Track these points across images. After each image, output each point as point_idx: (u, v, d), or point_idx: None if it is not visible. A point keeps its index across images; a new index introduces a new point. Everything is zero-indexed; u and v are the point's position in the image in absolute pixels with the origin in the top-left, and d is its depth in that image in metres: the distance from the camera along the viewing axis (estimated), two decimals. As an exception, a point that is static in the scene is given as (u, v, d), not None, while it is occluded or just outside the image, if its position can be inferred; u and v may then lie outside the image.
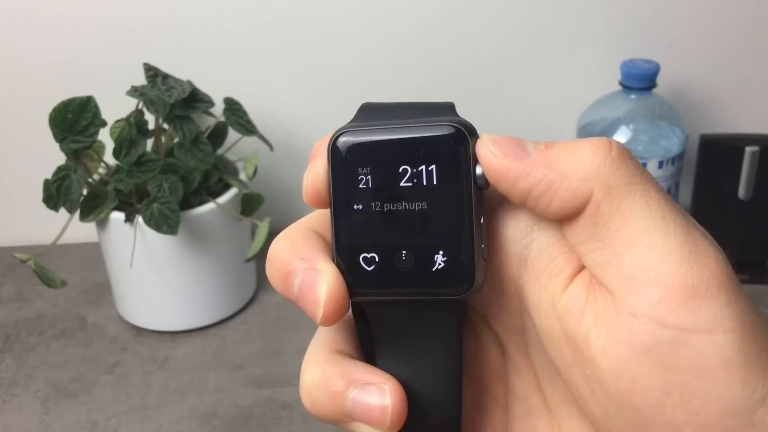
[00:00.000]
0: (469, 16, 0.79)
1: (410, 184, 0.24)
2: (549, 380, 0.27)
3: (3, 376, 0.68)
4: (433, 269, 0.25)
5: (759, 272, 0.75)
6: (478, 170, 0.24)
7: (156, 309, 0.72)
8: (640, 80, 0.74)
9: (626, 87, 0.74)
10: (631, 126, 0.75)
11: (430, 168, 0.24)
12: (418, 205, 0.24)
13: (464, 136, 0.24)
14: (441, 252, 0.24)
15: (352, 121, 0.26)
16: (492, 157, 0.24)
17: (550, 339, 0.25)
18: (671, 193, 0.76)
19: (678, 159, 0.75)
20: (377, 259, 0.25)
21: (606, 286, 0.23)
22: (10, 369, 0.69)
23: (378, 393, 0.25)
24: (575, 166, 0.23)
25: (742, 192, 0.73)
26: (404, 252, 0.25)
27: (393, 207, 0.25)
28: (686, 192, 0.79)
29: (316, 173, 0.26)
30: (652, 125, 0.76)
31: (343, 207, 0.25)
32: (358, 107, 0.27)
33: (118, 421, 0.63)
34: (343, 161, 0.25)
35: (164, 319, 0.72)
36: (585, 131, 0.77)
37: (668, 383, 0.22)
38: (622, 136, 0.75)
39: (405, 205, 0.25)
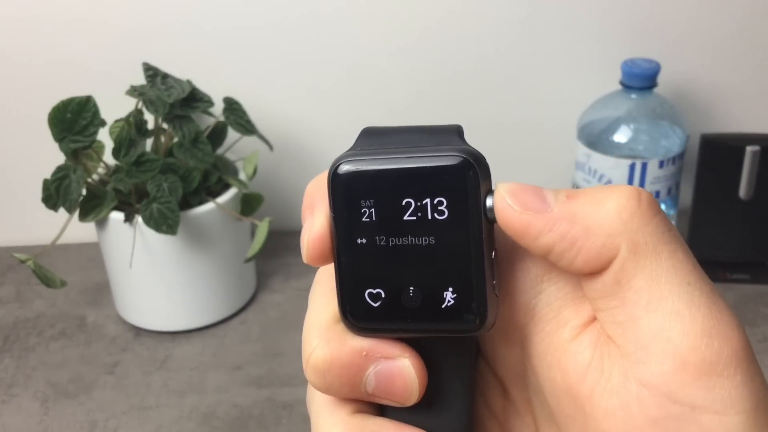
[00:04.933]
0: (469, 17, 0.79)
1: (415, 218, 0.23)
2: (547, 427, 0.26)
3: (2, 376, 0.68)
4: (443, 306, 0.23)
5: (759, 272, 0.75)
6: (488, 202, 0.23)
7: (155, 309, 0.72)
8: (641, 80, 0.73)
9: (627, 86, 0.74)
10: (632, 125, 0.75)
11: (436, 200, 0.23)
12: (425, 239, 0.23)
13: (472, 166, 0.23)
14: (450, 289, 0.23)
15: (352, 147, 0.25)
16: (510, 212, 0.23)
17: (552, 391, 0.24)
18: (671, 193, 0.76)
19: (678, 158, 0.75)
20: (383, 296, 0.24)
21: (618, 346, 0.23)
22: (9, 369, 0.69)
23: None
24: (601, 220, 0.22)
25: (742, 192, 0.73)
26: (411, 288, 0.24)
27: (399, 241, 0.23)
28: (686, 192, 0.79)
29: (317, 228, 0.24)
30: (653, 125, 0.76)
31: (345, 240, 0.24)
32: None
33: (118, 422, 0.63)
34: (345, 192, 0.24)
35: (164, 319, 0.72)
36: (585, 131, 0.77)
37: None
38: (622, 135, 0.75)
39: (411, 240, 0.23)
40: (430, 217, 0.23)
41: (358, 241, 0.24)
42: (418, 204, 0.23)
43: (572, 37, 0.80)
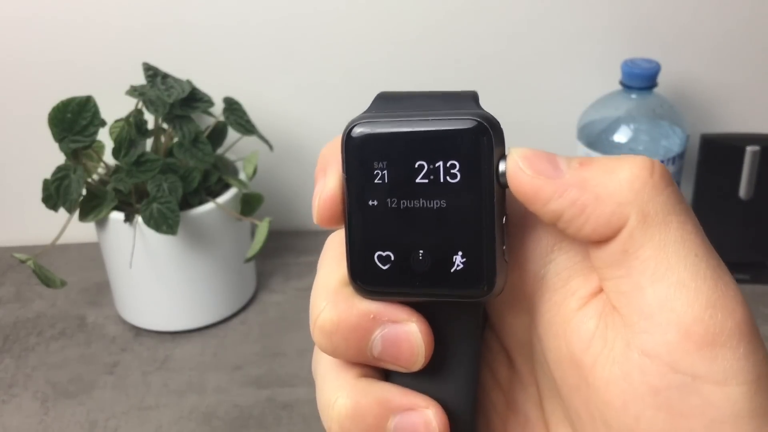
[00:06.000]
0: (469, 16, 0.79)
1: (427, 181, 0.23)
2: (551, 398, 0.26)
3: (2, 376, 0.68)
4: (452, 270, 0.23)
5: (759, 272, 0.75)
6: (501, 167, 0.23)
7: (155, 309, 0.72)
8: (641, 80, 0.73)
9: (627, 86, 0.74)
10: (632, 126, 0.75)
11: (449, 164, 0.23)
12: (437, 202, 0.23)
13: (486, 130, 0.23)
14: (460, 253, 0.23)
15: (367, 110, 0.25)
16: (522, 176, 0.23)
17: (557, 360, 0.24)
18: (672, 192, 0.76)
19: (679, 158, 0.75)
20: (392, 258, 0.24)
21: (622, 316, 0.23)
22: (9, 369, 0.69)
23: (421, 419, 0.24)
24: (612, 189, 0.22)
25: (742, 192, 0.73)
26: (421, 251, 0.24)
27: (410, 204, 0.24)
28: (687, 192, 0.79)
29: (329, 188, 0.24)
30: (653, 125, 0.76)
31: (357, 202, 0.24)
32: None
33: (118, 422, 0.63)
34: (358, 153, 0.24)
35: (164, 319, 0.72)
36: (585, 131, 0.77)
37: (672, 427, 0.22)
38: (622, 135, 0.75)
39: (423, 203, 0.23)
40: (442, 180, 0.23)
41: (370, 202, 0.24)
42: (431, 167, 0.23)
43: (572, 37, 0.80)
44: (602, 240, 0.23)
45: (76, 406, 0.65)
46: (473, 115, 0.23)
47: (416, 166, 0.23)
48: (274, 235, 0.74)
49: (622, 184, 0.22)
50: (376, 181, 0.24)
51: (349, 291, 0.25)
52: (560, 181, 0.23)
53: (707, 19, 0.79)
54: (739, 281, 0.74)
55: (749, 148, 0.71)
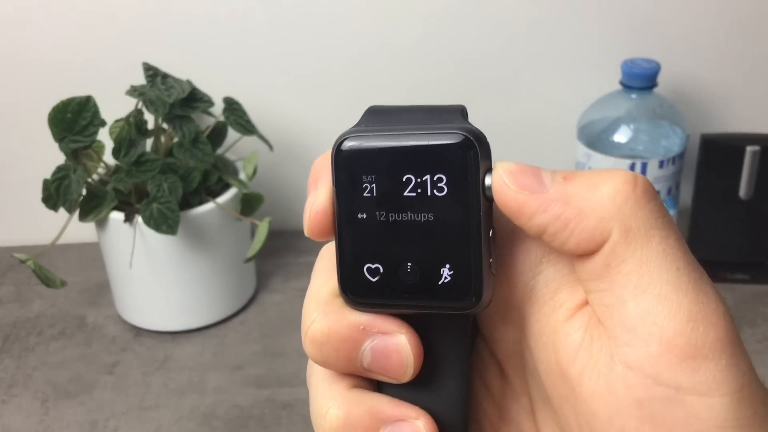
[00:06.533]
0: (469, 16, 0.79)
1: (414, 194, 0.24)
2: (543, 409, 0.26)
3: (2, 376, 0.68)
4: (439, 283, 0.24)
5: (759, 272, 0.75)
6: (487, 181, 0.23)
7: (155, 309, 0.72)
8: (641, 80, 0.73)
9: (627, 86, 0.74)
10: (632, 125, 0.75)
11: (436, 177, 0.23)
12: (424, 216, 0.24)
13: (472, 144, 0.23)
14: (447, 265, 0.24)
15: (357, 124, 0.25)
16: (506, 191, 0.23)
17: (547, 371, 0.25)
18: (671, 193, 0.76)
19: (679, 158, 0.75)
20: (381, 270, 0.24)
21: (606, 329, 0.23)
22: (9, 369, 0.69)
23: (412, 430, 0.25)
24: (595, 204, 0.22)
25: (742, 192, 0.73)
26: (409, 264, 0.24)
27: (398, 217, 0.24)
28: (687, 192, 0.79)
29: (320, 202, 0.25)
30: (653, 125, 0.76)
31: (346, 215, 0.24)
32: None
33: (118, 422, 0.63)
34: (348, 167, 0.24)
35: (164, 319, 0.72)
36: (585, 131, 0.77)
37: None
38: (622, 135, 0.75)
39: (411, 216, 0.24)
40: (429, 193, 0.24)
41: (359, 215, 0.24)
42: (418, 180, 0.24)
43: (572, 37, 0.80)
44: (586, 254, 0.23)
45: (76, 406, 0.65)
46: (460, 130, 0.23)
47: (404, 179, 0.24)
48: (274, 235, 0.74)
49: (604, 199, 0.22)
50: (365, 194, 0.24)
51: (340, 302, 0.25)
52: (544, 195, 0.23)
53: (707, 19, 0.79)
54: (739, 281, 0.74)
55: (749, 148, 0.71)
